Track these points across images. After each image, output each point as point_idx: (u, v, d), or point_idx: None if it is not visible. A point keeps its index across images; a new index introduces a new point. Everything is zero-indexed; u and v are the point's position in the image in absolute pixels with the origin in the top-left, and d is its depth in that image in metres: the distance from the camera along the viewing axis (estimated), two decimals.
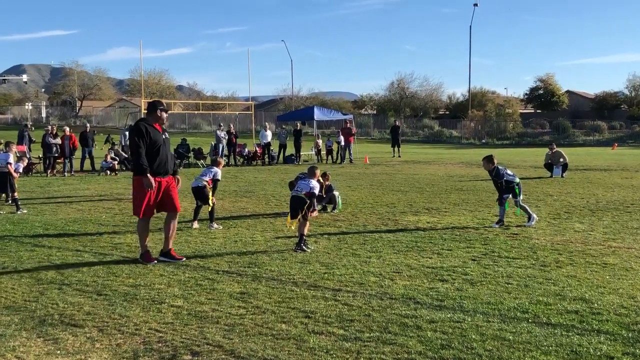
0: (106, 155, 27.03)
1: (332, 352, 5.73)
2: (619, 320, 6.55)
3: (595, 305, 7.09)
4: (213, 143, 32.39)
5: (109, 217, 13.98)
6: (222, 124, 33.98)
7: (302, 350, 5.74)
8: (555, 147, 25.27)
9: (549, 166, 24.27)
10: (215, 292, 7.61)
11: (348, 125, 33.84)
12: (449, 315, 6.69)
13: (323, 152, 34.34)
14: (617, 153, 42.64)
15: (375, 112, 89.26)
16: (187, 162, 30.75)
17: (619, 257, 9.66)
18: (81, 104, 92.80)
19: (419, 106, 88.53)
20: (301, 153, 34.00)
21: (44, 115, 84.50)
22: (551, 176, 23.46)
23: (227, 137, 32.12)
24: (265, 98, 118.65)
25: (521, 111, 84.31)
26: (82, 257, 9.80)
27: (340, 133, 33.95)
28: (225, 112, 60.61)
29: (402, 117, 77.59)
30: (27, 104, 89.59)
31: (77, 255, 9.96)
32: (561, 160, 24.05)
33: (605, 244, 10.74)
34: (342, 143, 33.35)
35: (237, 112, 59.30)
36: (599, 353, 5.63)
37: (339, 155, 33.63)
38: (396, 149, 37.98)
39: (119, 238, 11.42)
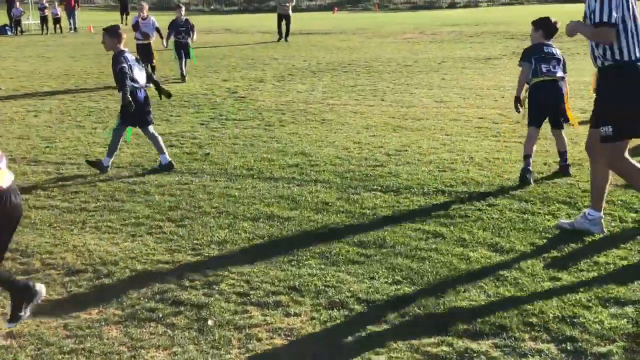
0: None
1: (55, 224, 5.55)
2: (334, 169, 7.11)
3: (314, 158, 7.60)
4: None
5: None
6: None
7: (22, 226, 5.47)
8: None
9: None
10: None
11: None
12: (176, 179, 6.76)
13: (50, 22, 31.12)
14: (336, 18, 44.71)
15: None
16: None
17: (336, 113, 10.36)
18: None
19: None
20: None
21: None
22: (278, 40, 24.07)
23: None
24: None
25: None
26: None
27: None
28: None
29: None
30: None
31: None
32: None
33: (324, 102, 11.43)
34: (58, 14, 30.91)
35: None
36: (316, 200, 6.10)
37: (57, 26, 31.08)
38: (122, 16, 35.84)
39: None
